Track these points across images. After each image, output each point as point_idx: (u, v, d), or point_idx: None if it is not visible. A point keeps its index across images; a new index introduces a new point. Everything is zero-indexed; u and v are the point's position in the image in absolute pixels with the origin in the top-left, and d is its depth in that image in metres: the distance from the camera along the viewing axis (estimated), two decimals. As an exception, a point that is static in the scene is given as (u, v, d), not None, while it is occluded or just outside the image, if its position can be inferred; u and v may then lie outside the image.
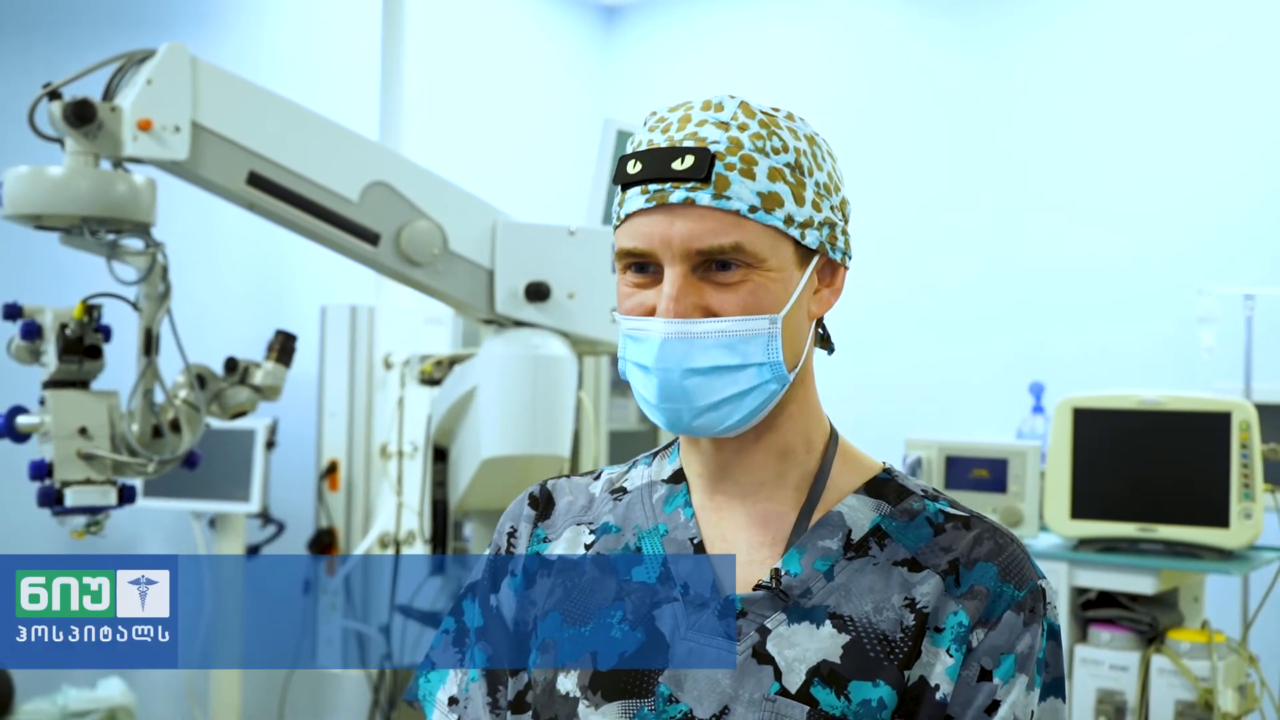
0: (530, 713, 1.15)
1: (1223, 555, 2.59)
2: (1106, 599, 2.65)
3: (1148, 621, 2.58)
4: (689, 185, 1.04)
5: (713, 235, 1.04)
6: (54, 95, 2.23)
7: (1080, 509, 2.68)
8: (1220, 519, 2.56)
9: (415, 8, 3.84)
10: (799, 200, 1.07)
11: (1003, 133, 4.18)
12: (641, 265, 1.08)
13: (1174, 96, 3.86)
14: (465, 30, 4.56)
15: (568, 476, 1.28)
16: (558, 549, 1.20)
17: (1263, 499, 2.56)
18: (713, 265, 1.05)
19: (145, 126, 2.24)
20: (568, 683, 1.12)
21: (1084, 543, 2.69)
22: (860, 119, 4.40)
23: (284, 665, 3.76)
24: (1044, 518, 2.74)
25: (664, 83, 4.91)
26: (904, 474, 1.18)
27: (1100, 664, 2.56)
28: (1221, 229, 3.76)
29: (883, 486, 1.15)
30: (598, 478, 1.26)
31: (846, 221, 1.14)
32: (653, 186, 1.05)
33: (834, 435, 1.17)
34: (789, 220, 1.06)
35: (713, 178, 1.04)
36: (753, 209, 1.05)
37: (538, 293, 2.73)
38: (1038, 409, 3.78)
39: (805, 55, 4.60)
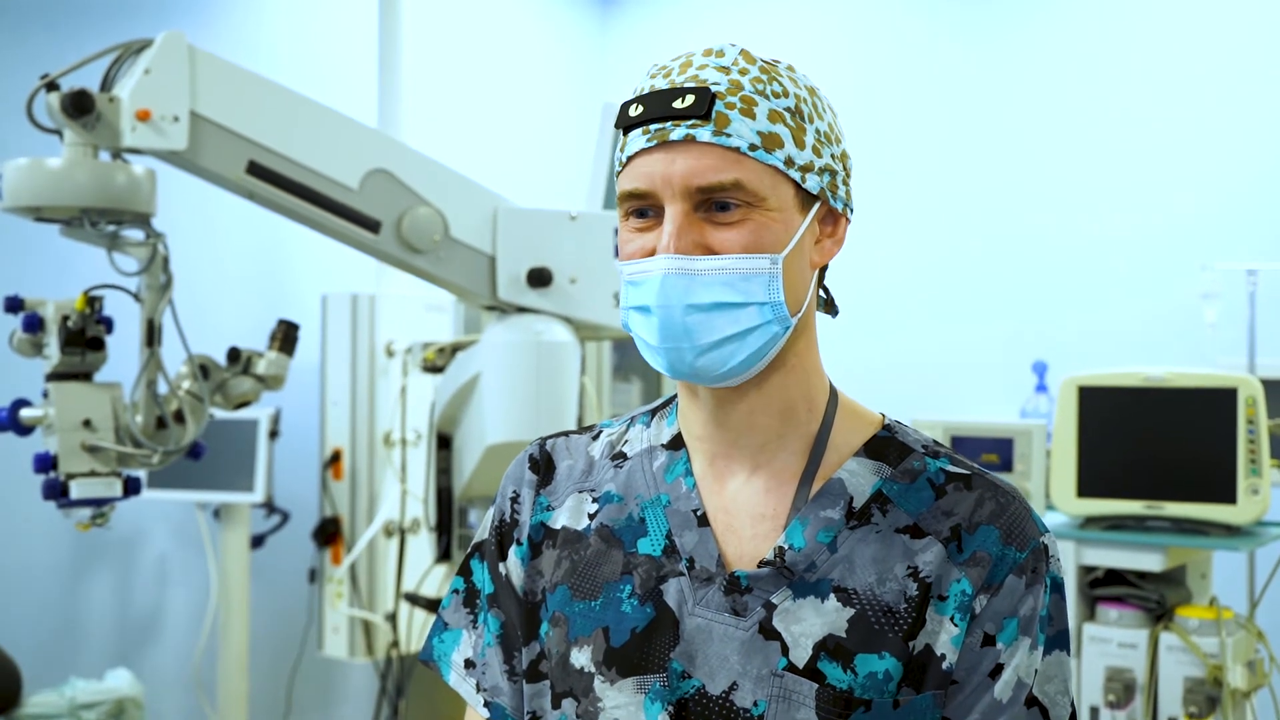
0: (545, 683, 1.16)
1: (1230, 531, 2.58)
2: (1114, 577, 2.65)
3: (1155, 599, 2.58)
4: (689, 122, 1.05)
5: (713, 172, 1.04)
6: (52, 86, 2.22)
7: (1087, 487, 2.67)
8: (1227, 495, 2.55)
9: (411, -6, 3.82)
10: (799, 143, 1.07)
11: (1004, 111, 4.17)
12: (643, 209, 1.08)
13: (1175, 73, 3.85)
14: (462, 15, 4.54)
15: (565, 435, 1.27)
16: (561, 518, 1.20)
17: (1270, 474, 2.56)
18: (713, 205, 1.05)
19: (144, 117, 2.23)
20: (581, 657, 1.13)
21: (1091, 521, 2.68)
22: (860, 101, 4.38)
23: (290, 654, 3.76)
24: (1050, 496, 2.73)
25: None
26: (903, 427, 1.18)
27: (1109, 642, 2.56)
28: (1224, 204, 3.75)
29: (883, 446, 1.14)
30: (596, 436, 1.26)
31: (848, 174, 1.14)
32: (653, 126, 1.06)
33: (833, 395, 1.17)
34: (789, 162, 1.06)
35: (713, 115, 1.04)
36: (753, 146, 1.05)
37: (540, 278, 2.72)
38: (1041, 388, 3.78)
39: (804, 38, 4.58)
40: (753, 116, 1.05)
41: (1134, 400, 2.66)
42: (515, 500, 1.24)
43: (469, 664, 1.22)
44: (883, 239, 4.27)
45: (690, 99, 1.05)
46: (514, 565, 1.22)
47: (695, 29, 4.84)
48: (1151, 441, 2.64)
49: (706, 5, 4.88)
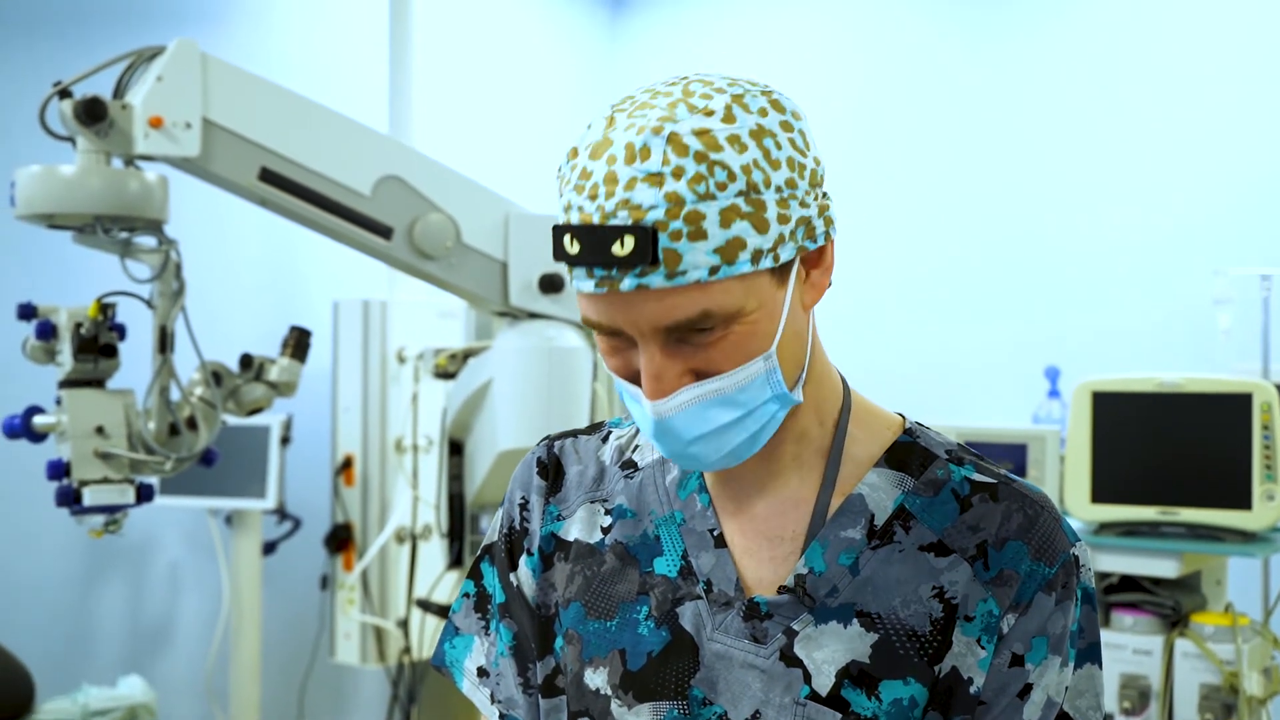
0: (561, 698, 1.14)
1: (1245, 537, 2.57)
2: (1129, 583, 2.63)
3: (1170, 605, 2.57)
4: (636, 270, 0.94)
5: (677, 310, 0.95)
6: (64, 94, 2.23)
7: (1101, 493, 2.66)
8: (1242, 501, 2.54)
9: (423, 0, 3.83)
10: (762, 227, 0.95)
11: (1014, 114, 4.16)
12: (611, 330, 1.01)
13: (1186, 76, 3.84)
14: (472, 21, 4.55)
15: (573, 435, 1.23)
16: (573, 529, 1.17)
17: (1285, 480, 2.55)
18: (689, 328, 0.97)
19: (156, 123, 2.24)
20: (597, 678, 1.10)
21: (1105, 527, 2.67)
22: (869, 104, 4.38)
23: (302, 660, 3.76)
24: (1064, 502, 2.72)
25: (671, 71, 4.89)
26: (925, 430, 1.13)
27: (1123, 648, 2.55)
28: (1237, 209, 3.73)
29: (905, 453, 1.09)
30: (605, 439, 1.22)
31: (821, 189, 1.03)
32: (598, 271, 0.96)
33: (846, 394, 1.12)
34: (756, 255, 0.96)
35: (660, 255, 0.93)
36: (713, 269, 0.94)
37: (551, 284, 2.72)
38: (1054, 393, 3.76)
39: (813, 41, 4.57)
40: (704, 236, 0.93)
41: (1148, 406, 2.65)
42: (524, 507, 1.20)
43: (482, 672, 1.19)
44: (893, 243, 4.26)
45: (630, 242, 0.93)
46: (525, 576, 1.18)
47: (704, 33, 4.84)
48: (1166, 447, 2.63)
49: (715, 9, 4.88)
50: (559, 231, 0.99)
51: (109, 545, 3.49)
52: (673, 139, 0.94)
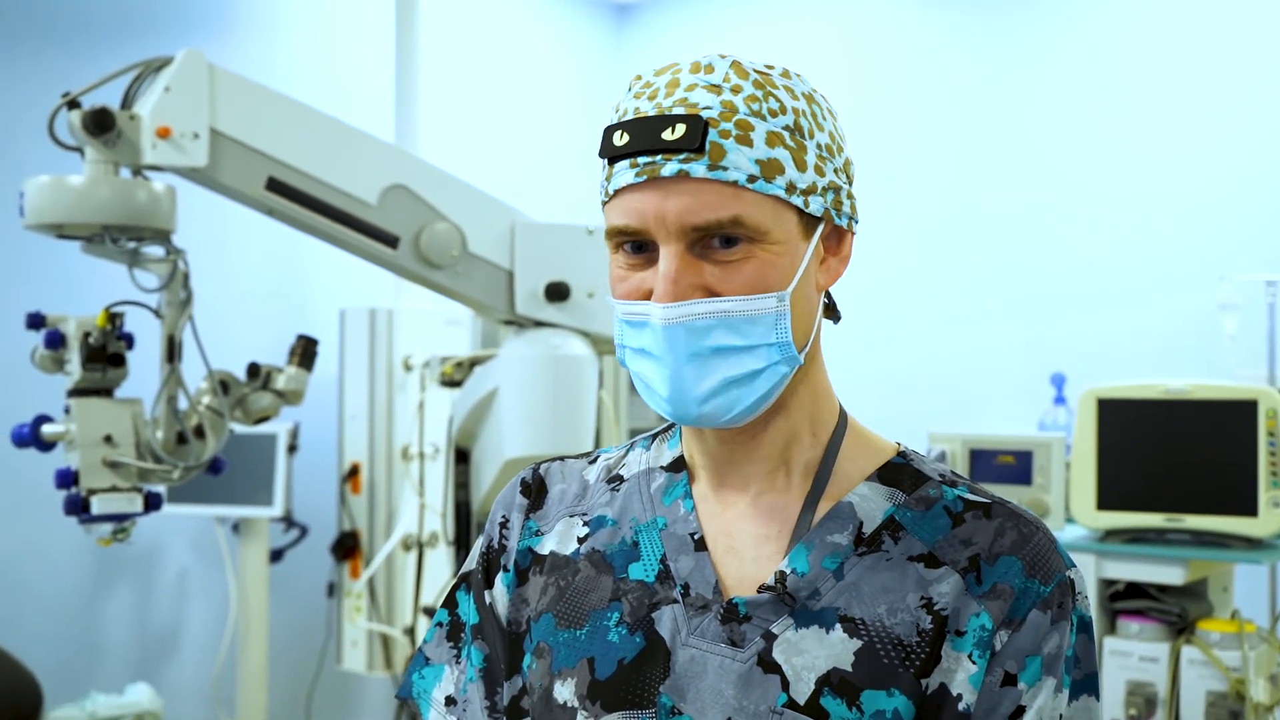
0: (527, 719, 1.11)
1: (1251, 544, 2.56)
2: (1135, 590, 2.63)
3: (1177, 612, 2.56)
4: (681, 156, 0.96)
5: (710, 209, 0.96)
6: (73, 104, 2.24)
7: (1107, 500, 2.66)
8: (1249, 508, 2.54)
9: (428, 10, 3.84)
10: (800, 165, 0.99)
11: (1020, 121, 4.16)
12: (636, 244, 1.01)
13: (1193, 81, 3.84)
14: (478, 31, 4.56)
15: (561, 459, 1.22)
16: (550, 543, 1.15)
17: (1291, 487, 2.54)
18: (713, 241, 0.98)
19: (164, 134, 2.25)
20: (565, 691, 1.06)
21: (1111, 534, 2.67)
22: (876, 110, 4.39)
23: (309, 668, 3.77)
24: (1070, 509, 2.72)
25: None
26: (920, 456, 1.11)
27: (1130, 655, 2.54)
28: (1242, 215, 3.73)
29: (897, 472, 1.07)
30: (593, 461, 1.20)
31: (851, 183, 1.06)
32: (642, 159, 0.98)
33: (843, 417, 1.11)
34: (790, 188, 0.99)
35: (707, 146, 0.96)
36: (751, 178, 0.97)
37: (557, 292, 2.73)
38: (1059, 400, 3.76)
39: (819, 48, 4.58)
40: (750, 143, 0.97)
41: (1154, 412, 2.65)
42: (504, 525, 1.19)
43: (450, 700, 1.16)
44: (898, 249, 4.27)
45: (681, 129, 0.97)
46: (500, 594, 1.16)
47: (710, 42, 4.85)
48: (1172, 454, 2.63)
49: (722, 17, 4.89)
50: (609, 131, 1.02)
51: (117, 553, 3.50)
52: (736, 64, 1.01)
